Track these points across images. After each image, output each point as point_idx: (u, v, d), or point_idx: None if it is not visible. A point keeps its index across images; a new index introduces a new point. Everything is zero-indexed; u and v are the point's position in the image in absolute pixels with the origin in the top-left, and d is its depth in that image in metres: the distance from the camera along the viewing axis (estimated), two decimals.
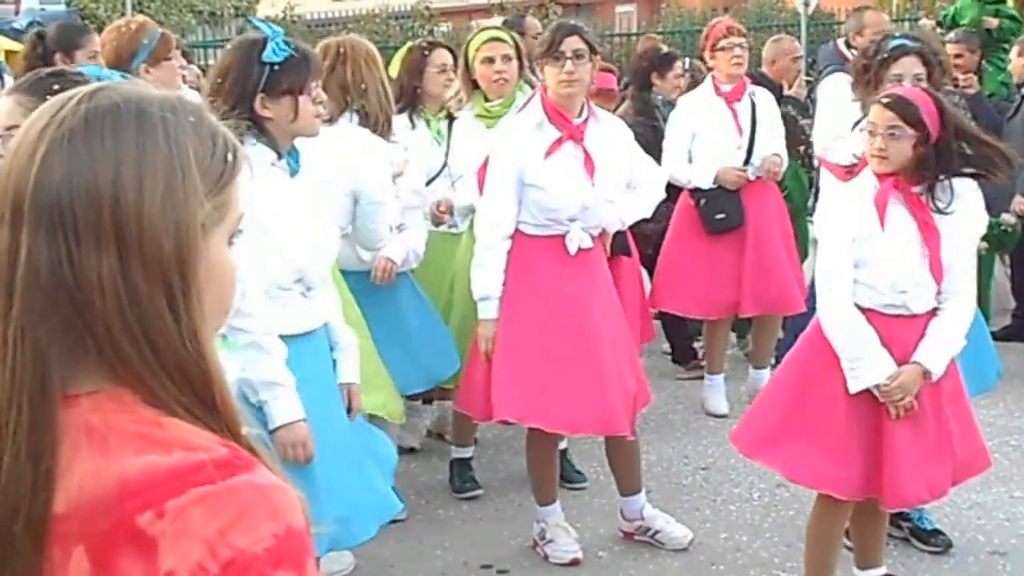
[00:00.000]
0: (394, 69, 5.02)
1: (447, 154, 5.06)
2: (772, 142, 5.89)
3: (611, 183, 4.32)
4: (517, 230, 4.29)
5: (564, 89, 4.20)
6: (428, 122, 5.11)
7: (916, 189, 3.58)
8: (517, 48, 4.94)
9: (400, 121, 4.87)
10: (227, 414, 1.15)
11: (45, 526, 1.08)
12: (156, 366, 1.11)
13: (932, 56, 4.26)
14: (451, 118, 5.11)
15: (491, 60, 4.85)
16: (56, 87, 2.22)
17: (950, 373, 3.68)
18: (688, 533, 4.54)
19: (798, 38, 12.94)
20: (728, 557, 4.47)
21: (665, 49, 7.64)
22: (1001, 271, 7.49)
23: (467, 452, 5.15)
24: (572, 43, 4.17)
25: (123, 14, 22.67)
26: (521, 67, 4.95)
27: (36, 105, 1.20)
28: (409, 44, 5.39)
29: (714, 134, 5.79)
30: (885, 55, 4.24)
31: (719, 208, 5.77)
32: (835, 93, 5.41)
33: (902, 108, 3.52)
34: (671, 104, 6.37)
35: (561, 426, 4.36)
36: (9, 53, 10.16)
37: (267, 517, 1.08)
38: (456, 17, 21.07)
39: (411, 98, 5.05)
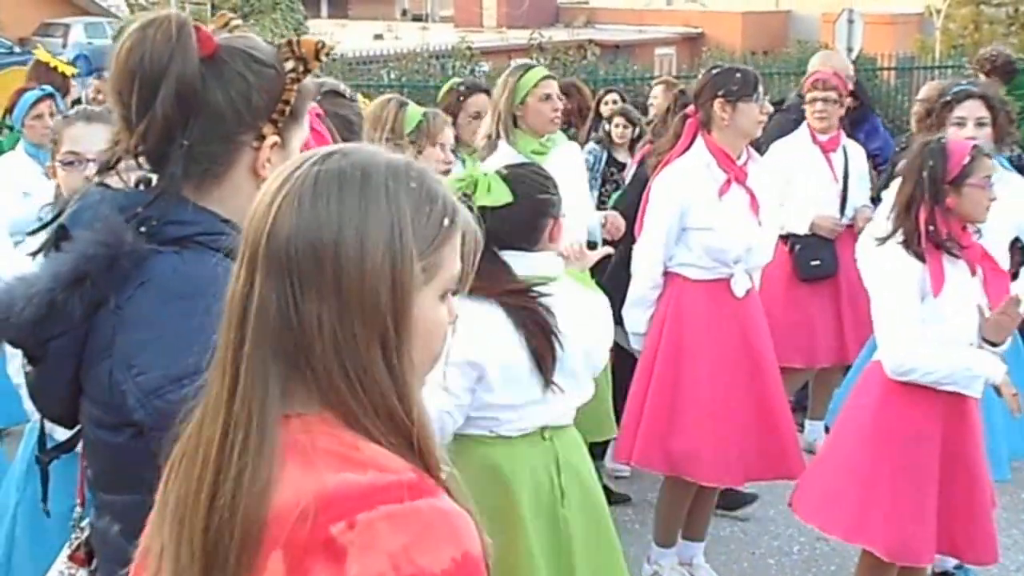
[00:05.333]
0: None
1: None
2: (862, 194, 5.74)
3: (770, 223, 4.33)
4: (677, 275, 4.25)
5: (758, 129, 4.25)
6: (464, 162, 5.04)
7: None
8: None
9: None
10: (426, 457, 1.25)
11: (261, 534, 1.18)
12: (369, 407, 1.23)
13: (998, 102, 4.16)
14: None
15: (549, 97, 4.73)
16: None
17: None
18: None
19: None
20: None
21: None
22: None
23: None
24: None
25: None
26: None
27: None
28: (450, 83, 5.33)
29: (811, 182, 5.60)
30: (948, 98, 4.14)
31: (814, 255, 5.61)
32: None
33: None
34: None
35: (743, 480, 4.38)
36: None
37: (447, 540, 1.17)
38: (496, 57, 21.12)
39: None
